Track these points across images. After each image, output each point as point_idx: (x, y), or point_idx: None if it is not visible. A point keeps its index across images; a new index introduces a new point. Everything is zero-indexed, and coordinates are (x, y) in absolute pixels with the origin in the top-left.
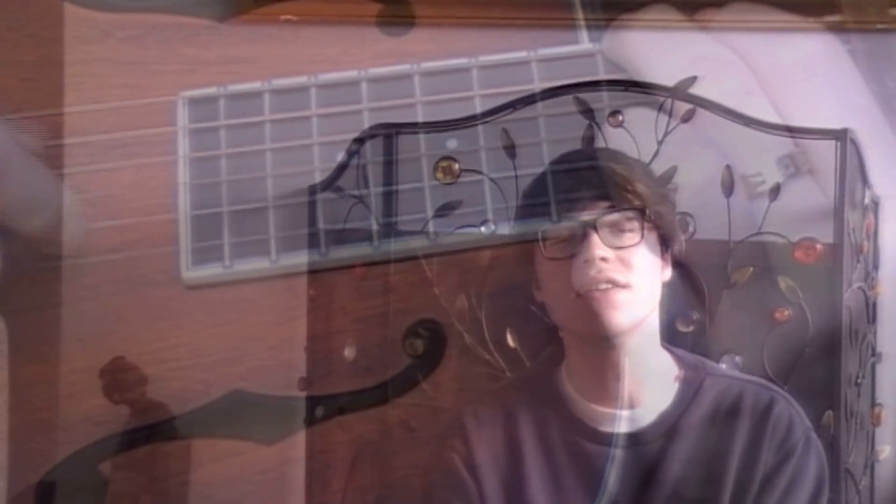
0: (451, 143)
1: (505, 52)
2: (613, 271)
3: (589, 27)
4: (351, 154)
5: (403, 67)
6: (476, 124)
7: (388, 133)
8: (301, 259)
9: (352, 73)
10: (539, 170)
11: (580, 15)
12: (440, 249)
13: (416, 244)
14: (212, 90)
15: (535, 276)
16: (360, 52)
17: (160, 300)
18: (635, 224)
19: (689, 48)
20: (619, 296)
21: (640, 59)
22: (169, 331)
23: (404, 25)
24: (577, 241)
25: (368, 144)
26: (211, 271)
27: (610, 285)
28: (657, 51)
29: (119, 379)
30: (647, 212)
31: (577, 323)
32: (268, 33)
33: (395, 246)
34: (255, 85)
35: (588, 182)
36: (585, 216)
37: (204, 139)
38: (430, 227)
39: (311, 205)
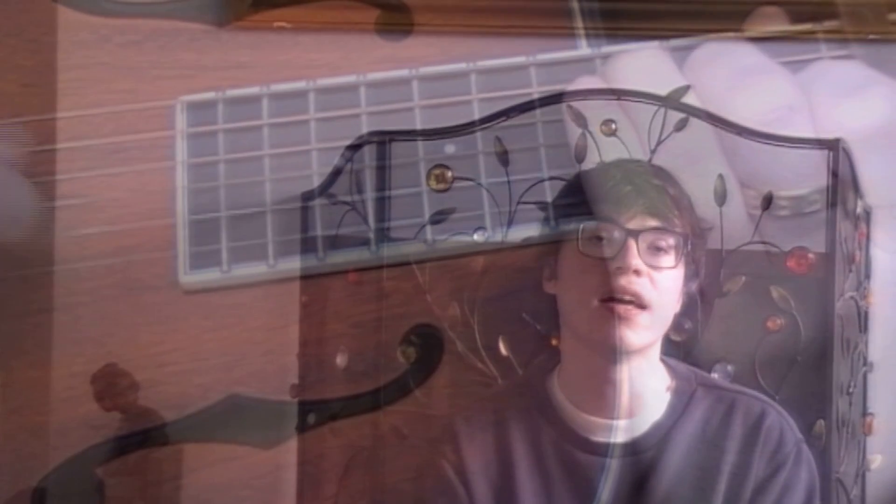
0: (450, 148)
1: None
2: (641, 287)
3: (588, 36)
4: (345, 161)
5: (402, 72)
6: (468, 132)
7: (382, 140)
8: (314, 266)
9: (350, 78)
10: (534, 175)
11: (580, 24)
12: (434, 256)
13: (410, 250)
14: (210, 95)
15: (553, 267)
16: (358, 58)
17: (157, 305)
18: (673, 248)
19: (737, 61)
20: (639, 317)
21: (689, 71)
22: (166, 335)
23: (403, 32)
24: (615, 246)
25: (362, 151)
26: (209, 276)
27: (633, 300)
28: (705, 62)
29: (113, 384)
30: (689, 240)
31: (590, 329)
32: (267, 39)
33: (388, 253)
34: (254, 90)
35: (641, 193)
36: (631, 225)
37: (202, 144)
38: (424, 234)
39: (304, 211)
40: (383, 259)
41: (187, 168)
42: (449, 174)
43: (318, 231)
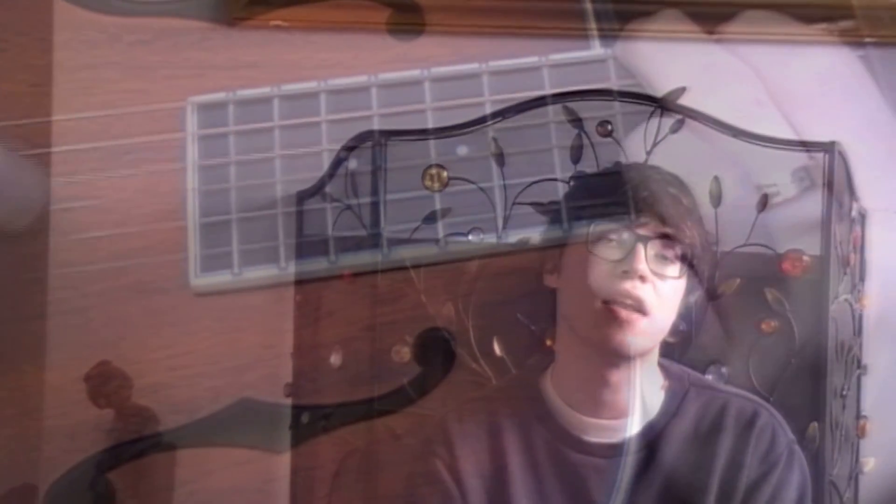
0: (462, 149)
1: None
2: (645, 293)
3: (601, 37)
4: (340, 160)
5: (413, 73)
6: (464, 133)
7: (377, 139)
8: (309, 266)
9: (361, 79)
10: (530, 176)
11: (592, 24)
12: (428, 256)
13: (404, 250)
14: (220, 96)
15: (557, 260)
16: (369, 57)
17: (168, 307)
18: (679, 259)
19: (699, 57)
20: (641, 322)
21: (650, 67)
22: (178, 338)
23: (414, 32)
24: (624, 249)
25: (357, 151)
26: (219, 278)
27: (636, 305)
28: (667, 59)
29: (106, 382)
30: (696, 251)
31: (591, 330)
32: (277, 38)
33: (382, 252)
34: (265, 90)
35: (656, 200)
36: (642, 230)
37: (212, 145)
38: (419, 234)
39: (299, 210)
40: (378, 258)
41: (198, 170)
42: (444, 174)
43: (301, 232)
